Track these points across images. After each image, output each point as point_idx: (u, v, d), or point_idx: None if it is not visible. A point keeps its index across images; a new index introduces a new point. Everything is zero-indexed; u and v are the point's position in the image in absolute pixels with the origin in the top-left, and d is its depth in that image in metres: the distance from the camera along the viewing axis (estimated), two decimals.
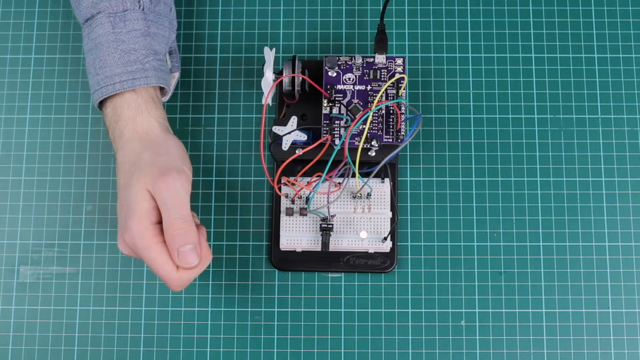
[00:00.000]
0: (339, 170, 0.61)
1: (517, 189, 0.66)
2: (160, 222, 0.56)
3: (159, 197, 0.55)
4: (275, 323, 0.65)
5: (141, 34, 0.60)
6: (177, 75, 0.66)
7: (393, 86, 0.63)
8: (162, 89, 0.62)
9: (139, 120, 0.58)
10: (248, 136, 0.68)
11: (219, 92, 0.69)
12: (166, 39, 0.62)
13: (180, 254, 0.55)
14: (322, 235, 0.63)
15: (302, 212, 0.64)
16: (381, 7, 0.69)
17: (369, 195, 0.65)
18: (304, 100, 0.66)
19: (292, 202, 0.65)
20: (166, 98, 0.64)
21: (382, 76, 0.64)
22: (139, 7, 0.60)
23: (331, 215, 0.64)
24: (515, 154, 0.67)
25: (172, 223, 0.54)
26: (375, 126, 0.62)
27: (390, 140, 0.62)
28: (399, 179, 0.67)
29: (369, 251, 0.65)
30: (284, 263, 0.65)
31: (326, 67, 0.64)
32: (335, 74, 0.64)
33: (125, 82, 0.59)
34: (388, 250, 0.65)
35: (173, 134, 0.60)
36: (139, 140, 0.58)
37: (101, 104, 0.60)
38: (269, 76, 0.62)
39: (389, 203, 0.65)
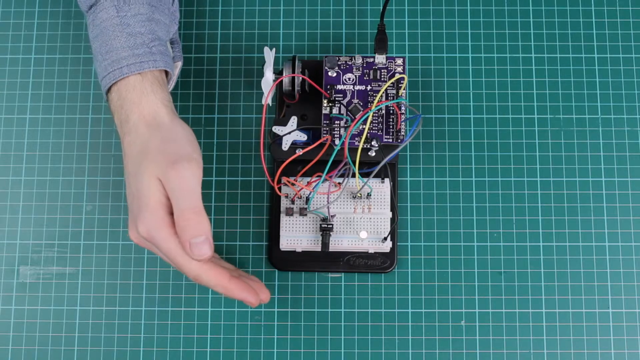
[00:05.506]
0: (339, 170, 0.61)
1: (517, 189, 0.66)
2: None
3: (169, 186, 0.53)
4: (275, 323, 0.65)
5: (146, 19, 0.59)
6: (179, 64, 0.65)
7: (393, 86, 0.63)
8: (166, 75, 0.61)
9: (144, 103, 0.57)
10: (248, 136, 0.68)
11: (219, 92, 0.69)
12: (167, 26, 0.61)
13: (192, 245, 0.53)
14: (322, 235, 0.63)
15: (302, 212, 0.64)
16: (381, 7, 0.69)
17: (369, 195, 0.65)
18: (304, 100, 0.66)
19: (292, 202, 0.65)
20: (170, 87, 0.63)
21: (382, 76, 0.64)
22: None
23: (331, 215, 0.64)
24: (515, 154, 0.67)
25: (181, 214, 0.53)
26: (375, 126, 0.62)
27: (390, 140, 0.62)
28: (399, 179, 0.67)
29: (369, 251, 0.65)
30: (284, 263, 0.65)
31: (326, 67, 0.63)
32: (335, 74, 0.64)
33: (133, 65, 0.57)
34: (388, 250, 0.64)
35: (179, 118, 0.59)
36: (146, 126, 0.56)
37: (107, 91, 0.59)
38: (269, 76, 0.62)
39: (389, 203, 0.65)
